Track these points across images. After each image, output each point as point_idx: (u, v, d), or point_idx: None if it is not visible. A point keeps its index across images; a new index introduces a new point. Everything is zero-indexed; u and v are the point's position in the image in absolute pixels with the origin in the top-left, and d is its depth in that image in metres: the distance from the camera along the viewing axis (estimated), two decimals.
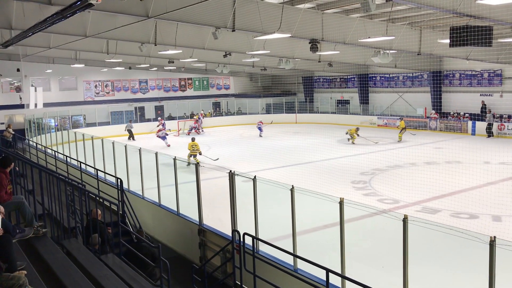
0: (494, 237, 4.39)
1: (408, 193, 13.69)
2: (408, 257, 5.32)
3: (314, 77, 41.06)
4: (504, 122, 26.54)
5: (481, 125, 27.18)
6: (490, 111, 26.92)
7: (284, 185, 7.04)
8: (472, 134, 27.46)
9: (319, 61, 27.42)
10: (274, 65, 29.17)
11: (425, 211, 12.06)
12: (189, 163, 16.17)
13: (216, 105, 42.11)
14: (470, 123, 27.85)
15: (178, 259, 10.35)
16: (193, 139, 19.99)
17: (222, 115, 39.90)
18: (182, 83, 41.85)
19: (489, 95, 28.53)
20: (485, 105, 28.46)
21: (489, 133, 26.00)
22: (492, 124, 26.16)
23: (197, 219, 9.83)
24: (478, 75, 29.00)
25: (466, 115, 28.97)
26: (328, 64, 29.26)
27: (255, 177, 7.85)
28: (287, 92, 42.93)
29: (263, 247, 7.73)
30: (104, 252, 7.17)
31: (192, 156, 18.99)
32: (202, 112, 36.67)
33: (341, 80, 38.88)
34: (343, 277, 5.95)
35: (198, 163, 10.36)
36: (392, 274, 8.11)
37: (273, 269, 7.06)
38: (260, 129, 29.65)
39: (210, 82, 43.35)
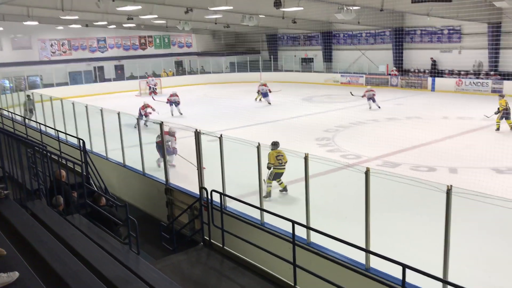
0: (451, 185, 4.61)
1: (370, 149, 14.06)
2: (370, 208, 5.53)
3: (278, 34, 40.69)
4: (462, 78, 27.31)
5: (440, 82, 27.88)
6: None
7: (251, 143, 7.09)
8: (431, 91, 28.18)
9: (283, 18, 27.12)
10: (238, 22, 28.70)
11: (386, 165, 12.45)
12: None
13: (178, 64, 41.28)
14: (430, 79, 28.51)
15: (145, 218, 10.39)
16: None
17: (185, 74, 39.19)
18: (142, 41, 40.70)
19: (449, 51, 29.17)
20: (434, 61, 29.19)
21: None
22: None
23: (164, 179, 9.83)
24: (438, 32, 29.50)
25: (427, 71, 29.62)
26: (292, 21, 28.99)
27: (221, 135, 7.87)
28: (251, 50, 42.48)
29: (230, 204, 7.85)
30: (69, 213, 7.11)
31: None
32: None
33: (305, 38, 38.73)
34: (308, 227, 6.16)
35: (162, 122, 10.25)
36: (355, 225, 8.44)
37: (241, 224, 7.21)
38: (265, 94, 24.56)
39: (172, 40, 42.31)
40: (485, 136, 15.79)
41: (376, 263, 5.51)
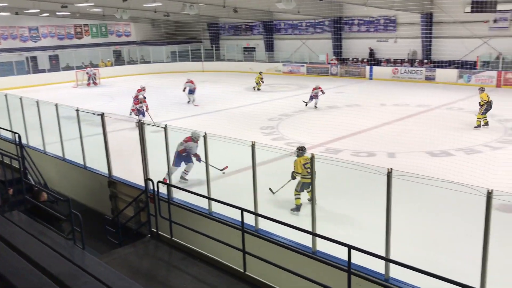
0: (391, 168, 4.84)
1: (313, 136, 14.39)
2: (315, 192, 5.69)
3: (220, 23, 40.43)
4: (398, 66, 28.44)
5: (377, 70, 28.87)
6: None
7: (197, 133, 7.05)
8: (369, 79, 29.15)
9: (224, 7, 26.97)
10: (178, 11, 28.21)
11: (329, 152, 12.80)
12: None
13: (117, 54, 40.02)
14: (367, 68, 29.46)
15: (88, 213, 10.08)
16: None
17: (124, 64, 38.06)
18: (78, 30, 39.06)
19: (385, 40, 30.24)
20: (372, 50, 30.27)
21: None
22: None
23: (106, 172, 9.57)
24: (375, 22, 30.48)
25: (365, 60, 30.57)
26: (233, 10, 28.90)
27: (166, 126, 7.77)
28: (193, 39, 41.95)
29: (178, 195, 7.79)
30: (6, 211, 6.78)
31: None
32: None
33: (247, 27, 38.74)
34: (257, 214, 6.25)
35: (103, 113, 9.93)
36: (302, 210, 8.65)
37: (188, 214, 7.19)
38: (191, 91, 21.90)
39: (109, 28, 40.91)
40: (421, 122, 16.57)
41: (322, 246, 5.69)
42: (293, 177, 8.89)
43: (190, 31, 41.91)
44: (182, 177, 10.42)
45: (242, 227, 5.96)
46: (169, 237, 7.22)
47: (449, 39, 27.01)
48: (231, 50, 38.84)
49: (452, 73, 25.68)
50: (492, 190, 4.06)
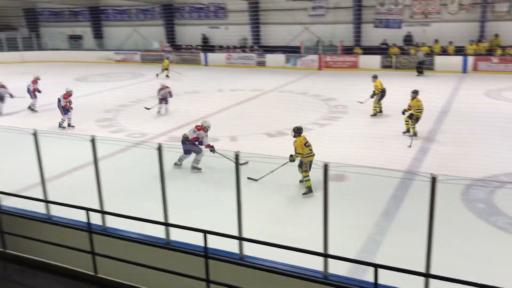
0: (238, 151, 4.98)
1: (154, 126, 14.13)
2: (166, 183, 5.58)
3: (38, 9, 36.78)
4: (231, 52, 29.41)
5: (212, 56, 29.44)
6: (419, 49, 24.05)
7: (25, 131, 6.33)
8: (205, 65, 29.61)
9: None
10: None
11: (172, 140, 12.69)
12: None
13: None
14: (202, 54, 29.86)
15: None
16: None
17: None
18: None
19: (217, 27, 30.97)
20: (206, 37, 30.92)
21: (420, 71, 23.13)
22: (424, 60, 23.41)
23: None
24: (206, 9, 30.97)
25: (199, 47, 30.91)
26: None
27: None
28: (6, 26, 37.38)
29: (7, 201, 6.93)
30: None
31: None
32: None
33: (70, 13, 35.96)
34: (103, 212, 5.89)
35: None
36: (152, 202, 8.43)
37: (24, 222, 6.44)
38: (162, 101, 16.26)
39: None
40: (257, 105, 17.46)
41: (177, 236, 5.63)
42: (293, 160, 8.64)
43: (2, 17, 37.29)
44: (194, 167, 9.98)
45: (88, 228, 5.57)
46: (2, 249, 6.39)
47: (276, 26, 28.86)
48: (55, 38, 35.68)
49: (280, 58, 27.53)
50: (328, 162, 4.45)
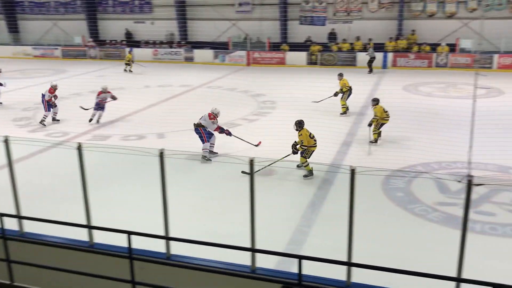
0: (163, 149, 4.88)
1: (76, 124, 13.54)
2: (87, 183, 5.36)
3: None
4: (158, 48, 28.80)
5: (138, 52, 28.67)
6: (370, 46, 23.94)
7: None
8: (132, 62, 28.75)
9: None
10: None
11: (96, 139, 12.23)
12: None
13: None
14: (127, 50, 28.96)
15: None
16: None
17: None
18: None
19: (142, 22, 30.19)
20: (129, 32, 30.12)
21: (371, 68, 23.19)
22: (375, 57, 23.30)
23: None
24: (130, 3, 30.08)
25: (123, 42, 29.96)
26: None
27: None
28: None
29: None
30: None
31: None
32: None
33: None
34: (19, 217, 5.55)
35: None
36: (74, 203, 8.06)
37: None
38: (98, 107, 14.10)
39: None
40: (185, 101, 17.23)
41: (101, 238, 5.44)
42: (296, 152, 9.31)
43: None
44: (210, 151, 10.44)
45: (2, 234, 5.23)
46: None
47: (203, 21, 28.66)
48: None
49: (208, 53, 27.39)
50: (254, 158, 4.49)
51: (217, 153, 10.62)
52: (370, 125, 11.43)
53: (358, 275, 4.28)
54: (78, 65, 26.15)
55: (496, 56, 22.94)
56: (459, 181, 8.00)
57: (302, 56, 25.81)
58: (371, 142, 11.46)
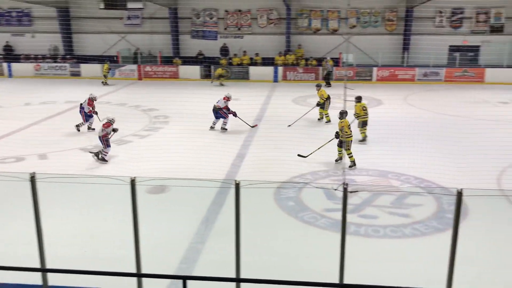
0: (34, 173, 4.48)
1: None
2: None
3: None
4: (40, 62, 26.93)
5: (17, 67, 26.61)
6: (327, 60, 24.42)
7: None
8: (9, 77, 26.58)
9: None
10: None
11: None
12: None
13: None
14: (5, 65, 26.74)
15: None
16: None
17: None
18: None
19: (21, 35, 28.09)
20: (9, 45, 27.98)
21: (328, 82, 23.34)
22: (332, 71, 24.36)
23: None
24: (6, 14, 27.87)
25: (0, 56, 27.63)
26: None
27: None
28: None
29: None
30: None
31: None
32: None
33: None
34: None
35: None
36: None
37: None
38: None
39: None
40: (71, 118, 16.21)
41: None
42: (338, 137, 10.77)
43: None
44: (222, 128, 14.03)
45: None
46: None
47: (90, 35, 27.43)
48: None
49: (97, 68, 26.17)
50: (135, 177, 4.29)
51: (226, 129, 14.00)
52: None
53: None
54: None
55: (375, 69, 24.86)
56: (335, 189, 8.44)
57: (195, 69, 25.76)
58: (360, 141, 12.72)
